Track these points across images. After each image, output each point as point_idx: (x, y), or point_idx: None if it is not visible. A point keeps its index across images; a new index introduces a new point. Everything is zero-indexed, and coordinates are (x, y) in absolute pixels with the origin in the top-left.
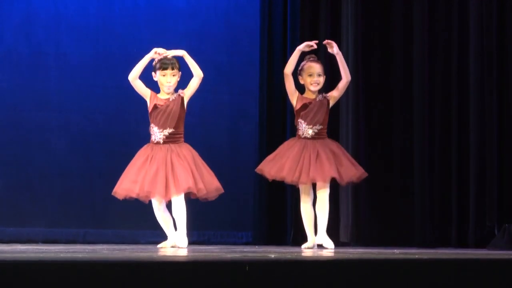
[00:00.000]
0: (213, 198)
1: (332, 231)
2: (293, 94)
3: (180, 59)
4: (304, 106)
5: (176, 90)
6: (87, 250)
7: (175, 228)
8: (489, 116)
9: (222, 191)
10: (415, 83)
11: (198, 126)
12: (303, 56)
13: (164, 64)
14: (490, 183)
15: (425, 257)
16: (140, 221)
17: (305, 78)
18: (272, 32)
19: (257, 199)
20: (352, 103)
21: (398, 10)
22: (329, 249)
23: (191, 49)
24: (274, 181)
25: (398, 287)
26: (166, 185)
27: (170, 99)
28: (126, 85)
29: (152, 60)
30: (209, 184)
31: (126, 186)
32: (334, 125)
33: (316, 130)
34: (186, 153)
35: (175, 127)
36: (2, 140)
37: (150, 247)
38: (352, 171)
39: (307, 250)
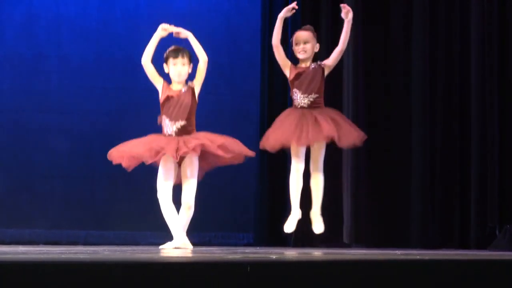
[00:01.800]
0: (240, 162)
1: (334, 232)
2: (285, 64)
3: (190, 49)
4: (298, 75)
5: (186, 82)
6: (88, 251)
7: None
8: (491, 117)
9: (252, 154)
10: (416, 85)
11: (198, 127)
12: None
13: (174, 53)
14: (492, 184)
15: (426, 257)
16: (140, 222)
17: (294, 48)
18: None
19: (258, 201)
20: (352, 103)
21: (399, 11)
22: (317, 233)
23: (192, 50)
24: (275, 181)
25: (399, 287)
26: (178, 147)
27: (182, 91)
28: (127, 86)
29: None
30: (235, 148)
31: (134, 150)
32: None
33: (311, 99)
34: (196, 145)
35: (187, 120)
36: (3, 141)
37: (151, 248)
38: (353, 135)
39: (292, 223)
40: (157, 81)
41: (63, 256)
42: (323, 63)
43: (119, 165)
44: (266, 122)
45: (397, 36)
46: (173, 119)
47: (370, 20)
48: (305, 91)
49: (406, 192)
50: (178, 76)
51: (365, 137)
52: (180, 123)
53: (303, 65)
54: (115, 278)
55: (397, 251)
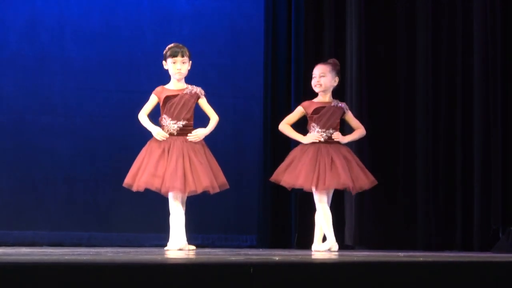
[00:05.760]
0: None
1: (336, 234)
2: (299, 115)
3: (190, 49)
4: (316, 111)
5: (187, 81)
6: (91, 253)
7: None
8: (494, 118)
9: (227, 187)
10: (419, 87)
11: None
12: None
13: (174, 52)
14: (495, 186)
15: (429, 259)
16: (144, 224)
17: (312, 81)
18: (276, 36)
19: (261, 203)
20: (356, 106)
21: (402, 13)
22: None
23: (195, 52)
24: (279, 185)
25: None
26: (185, 180)
27: (185, 92)
28: (130, 89)
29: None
30: (218, 179)
31: (145, 179)
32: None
33: (329, 134)
34: (199, 147)
35: (189, 119)
36: (7, 143)
37: (154, 249)
38: (363, 181)
39: (325, 252)
40: (155, 102)
41: (66, 257)
42: (347, 112)
43: (123, 167)
44: (270, 125)
45: (400, 34)
46: (175, 118)
47: (373, 18)
48: (323, 126)
49: (409, 194)
50: (179, 74)
51: (375, 182)
52: (182, 122)
53: (322, 98)
54: (118, 279)
55: (400, 253)
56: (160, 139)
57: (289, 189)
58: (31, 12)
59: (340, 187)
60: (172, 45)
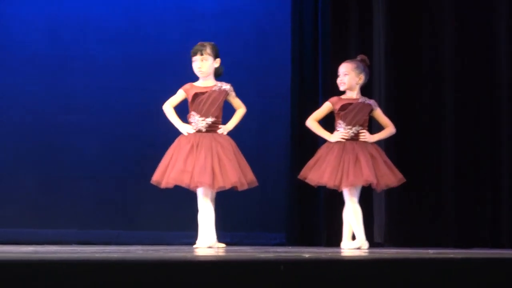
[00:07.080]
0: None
1: (365, 231)
2: (326, 111)
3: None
4: (343, 107)
5: (216, 77)
6: (121, 251)
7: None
8: None
9: (256, 184)
10: (446, 85)
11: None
12: None
13: (194, 50)
14: None
15: (459, 256)
16: (172, 222)
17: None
18: (302, 34)
19: (289, 200)
20: (384, 105)
21: (427, 8)
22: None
23: (221, 50)
24: (306, 182)
25: (432, 286)
26: (214, 176)
27: (214, 89)
28: (154, 87)
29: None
30: (246, 176)
31: (175, 176)
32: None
33: (355, 131)
34: (227, 144)
35: (217, 116)
36: (33, 143)
37: (183, 247)
38: (389, 179)
39: (353, 246)
40: (182, 97)
41: (96, 255)
42: (376, 108)
43: (149, 165)
44: (297, 123)
45: (426, 31)
46: (204, 115)
47: (401, 14)
48: (349, 123)
49: (438, 191)
50: (200, 72)
51: (403, 180)
52: (210, 119)
53: (349, 95)
54: (149, 277)
55: (429, 250)
56: (185, 133)
57: (315, 187)
58: (54, 11)
59: (363, 183)
60: (197, 44)
